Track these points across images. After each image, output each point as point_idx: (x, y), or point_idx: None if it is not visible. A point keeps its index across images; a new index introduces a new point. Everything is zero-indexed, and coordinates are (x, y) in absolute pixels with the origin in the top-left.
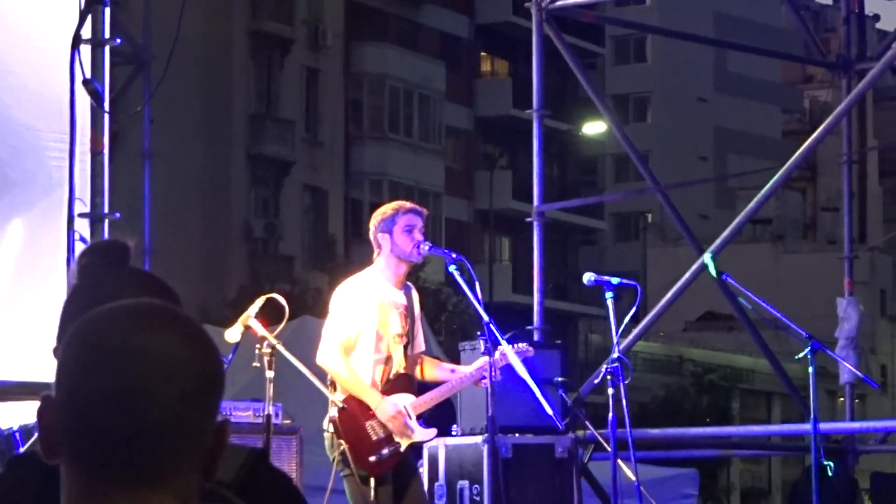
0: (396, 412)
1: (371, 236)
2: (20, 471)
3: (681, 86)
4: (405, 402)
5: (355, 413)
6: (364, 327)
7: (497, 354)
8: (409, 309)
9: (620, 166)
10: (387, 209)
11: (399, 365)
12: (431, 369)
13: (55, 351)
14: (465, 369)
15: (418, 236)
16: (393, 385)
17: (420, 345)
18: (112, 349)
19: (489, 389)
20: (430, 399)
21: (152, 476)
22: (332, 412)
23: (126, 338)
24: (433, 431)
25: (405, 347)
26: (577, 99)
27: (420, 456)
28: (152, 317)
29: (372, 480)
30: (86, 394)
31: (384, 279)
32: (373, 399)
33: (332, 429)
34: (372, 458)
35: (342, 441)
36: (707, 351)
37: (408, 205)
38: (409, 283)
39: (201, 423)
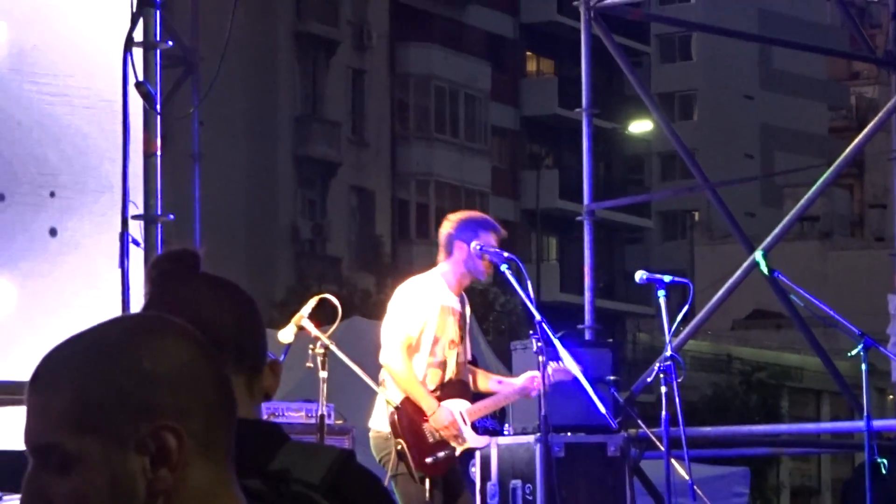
0: (451, 420)
1: (444, 237)
2: None
3: (726, 83)
4: (461, 407)
5: (412, 414)
6: (425, 329)
7: (549, 369)
8: (463, 317)
9: (666, 164)
10: (470, 216)
11: (451, 371)
12: (483, 380)
13: None
14: (513, 381)
15: (495, 259)
16: (449, 390)
17: (468, 353)
18: (105, 343)
19: (542, 389)
20: (483, 407)
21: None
22: (389, 411)
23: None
24: (487, 439)
25: (458, 354)
26: (623, 97)
27: (472, 458)
28: (150, 322)
29: (427, 481)
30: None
31: (445, 284)
32: (430, 405)
33: (386, 428)
34: (429, 460)
35: (400, 440)
36: (755, 349)
37: (492, 221)
38: (463, 292)
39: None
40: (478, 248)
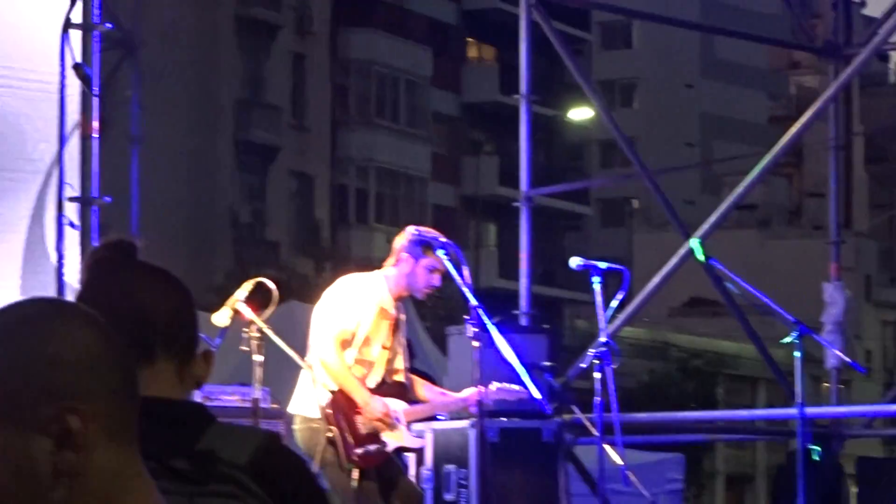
0: (384, 411)
1: (396, 245)
2: None
3: (667, 72)
4: (396, 407)
5: (344, 405)
6: (359, 326)
7: (492, 387)
8: (397, 322)
9: (606, 152)
10: (427, 232)
11: (378, 374)
12: (421, 389)
13: None
14: (454, 395)
15: (436, 282)
16: (387, 388)
17: (401, 361)
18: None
19: (476, 374)
20: (421, 410)
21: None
22: (324, 401)
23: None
24: (421, 441)
25: (388, 360)
26: (564, 85)
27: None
28: (55, 306)
29: (355, 472)
30: None
31: (386, 288)
32: (362, 396)
33: (314, 413)
34: (358, 451)
35: (332, 427)
36: (692, 336)
37: (447, 243)
38: (401, 303)
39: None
40: (433, 290)
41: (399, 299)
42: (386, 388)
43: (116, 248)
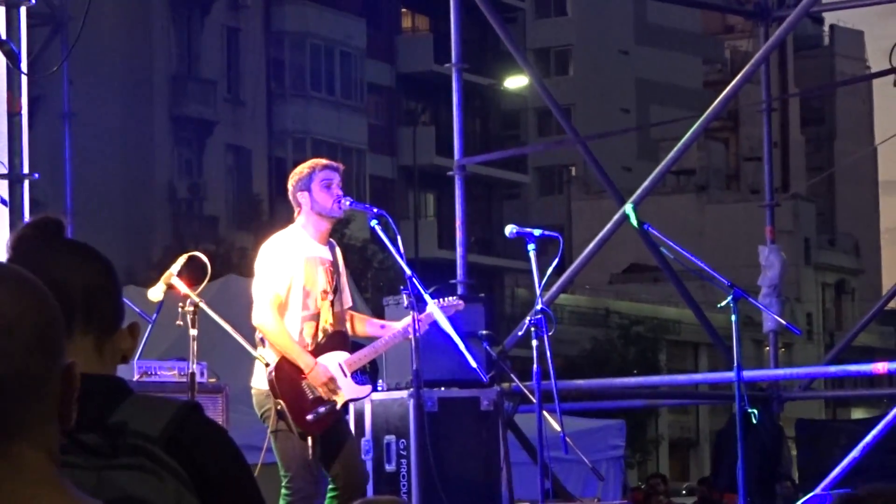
0: (328, 377)
1: (290, 196)
2: None
3: (602, 38)
4: (340, 359)
5: (290, 372)
6: (292, 284)
7: (426, 310)
8: (334, 265)
9: (543, 120)
10: (303, 168)
11: (326, 321)
12: (361, 325)
13: None
14: (394, 325)
15: (337, 191)
16: (327, 343)
17: (347, 300)
18: None
19: (414, 344)
20: (363, 356)
21: (8, 429)
22: (269, 371)
23: None
24: (368, 388)
25: (332, 303)
26: (499, 53)
27: (347, 412)
28: None
29: (309, 438)
30: None
31: (307, 235)
32: (306, 361)
33: (264, 386)
34: (309, 417)
35: (280, 400)
36: (633, 303)
37: (323, 161)
38: (332, 239)
39: (47, 371)
40: (347, 202)
41: (326, 238)
42: (328, 340)
43: (41, 226)
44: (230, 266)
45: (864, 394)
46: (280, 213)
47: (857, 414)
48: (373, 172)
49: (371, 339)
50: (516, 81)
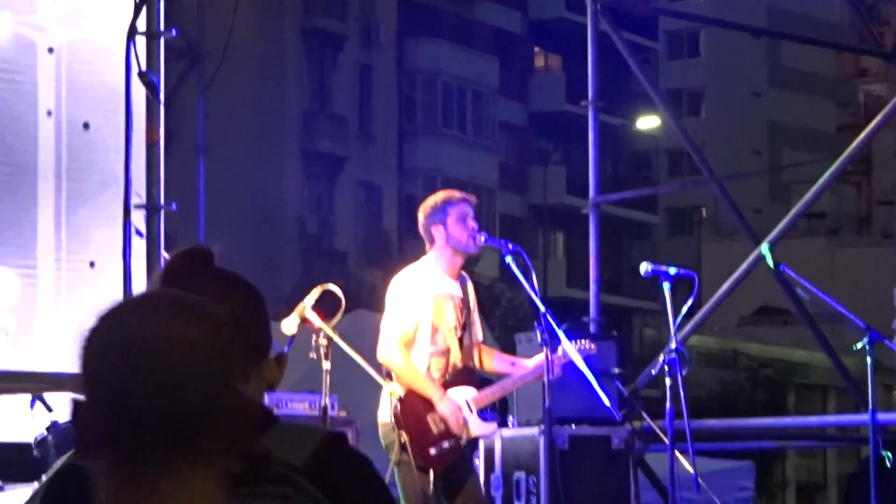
0: (456, 408)
1: (422, 228)
2: (64, 481)
3: (734, 80)
4: (467, 395)
5: (416, 405)
6: (420, 320)
7: (559, 350)
8: (464, 301)
9: (674, 161)
10: (436, 200)
11: (456, 357)
12: (490, 360)
13: None
14: (525, 362)
15: (472, 224)
16: (454, 378)
17: (478, 334)
18: (133, 340)
19: (546, 381)
20: (491, 393)
21: (191, 457)
22: (394, 402)
23: (144, 327)
24: (493, 426)
25: (461, 340)
26: (631, 94)
27: (476, 448)
28: (166, 305)
29: (431, 473)
30: (115, 386)
31: (439, 270)
32: (434, 394)
33: (392, 420)
34: (433, 451)
35: (403, 432)
36: (762, 345)
37: (458, 194)
38: (464, 273)
39: (231, 402)
40: (482, 238)
41: (457, 273)
42: (456, 375)
43: (190, 255)
44: (359, 301)
45: None
46: (409, 250)
47: None
48: (503, 211)
49: (499, 375)
50: (648, 122)
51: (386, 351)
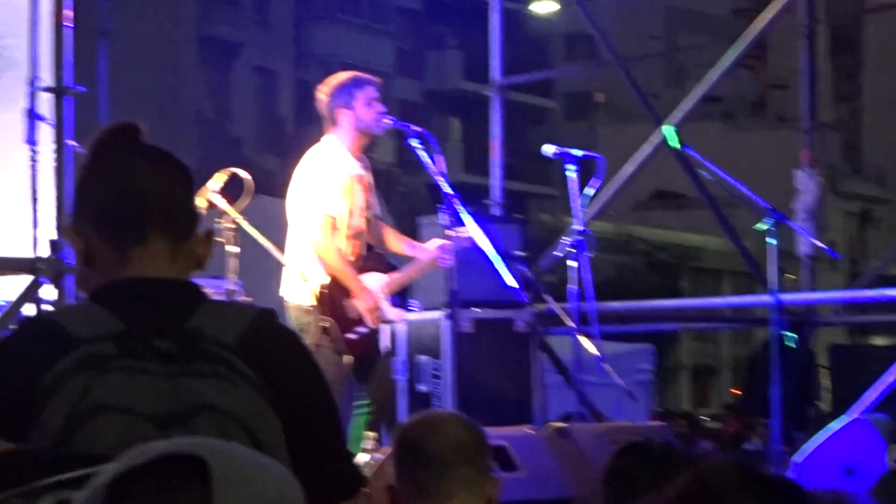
0: (375, 304)
1: (325, 109)
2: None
3: None
4: (380, 282)
5: (337, 292)
6: (342, 204)
7: (462, 233)
8: (369, 184)
9: (570, 46)
10: (341, 80)
11: (365, 238)
12: (396, 242)
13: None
14: (426, 246)
15: (379, 107)
16: (366, 262)
17: (377, 210)
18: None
19: (451, 264)
20: (400, 279)
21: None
22: (318, 288)
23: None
24: (402, 312)
25: (368, 220)
26: None
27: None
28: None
29: (347, 357)
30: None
31: (345, 151)
32: (357, 286)
33: (307, 301)
34: (351, 336)
35: (328, 318)
36: (657, 229)
37: (362, 75)
38: (364, 155)
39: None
40: (389, 121)
41: (360, 155)
42: (366, 260)
43: (119, 131)
44: (256, 187)
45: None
46: (305, 137)
47: (877, 342)
48: (399, 96)
49: (400, 257)
50: (544, 6)
51: (321, 242)
